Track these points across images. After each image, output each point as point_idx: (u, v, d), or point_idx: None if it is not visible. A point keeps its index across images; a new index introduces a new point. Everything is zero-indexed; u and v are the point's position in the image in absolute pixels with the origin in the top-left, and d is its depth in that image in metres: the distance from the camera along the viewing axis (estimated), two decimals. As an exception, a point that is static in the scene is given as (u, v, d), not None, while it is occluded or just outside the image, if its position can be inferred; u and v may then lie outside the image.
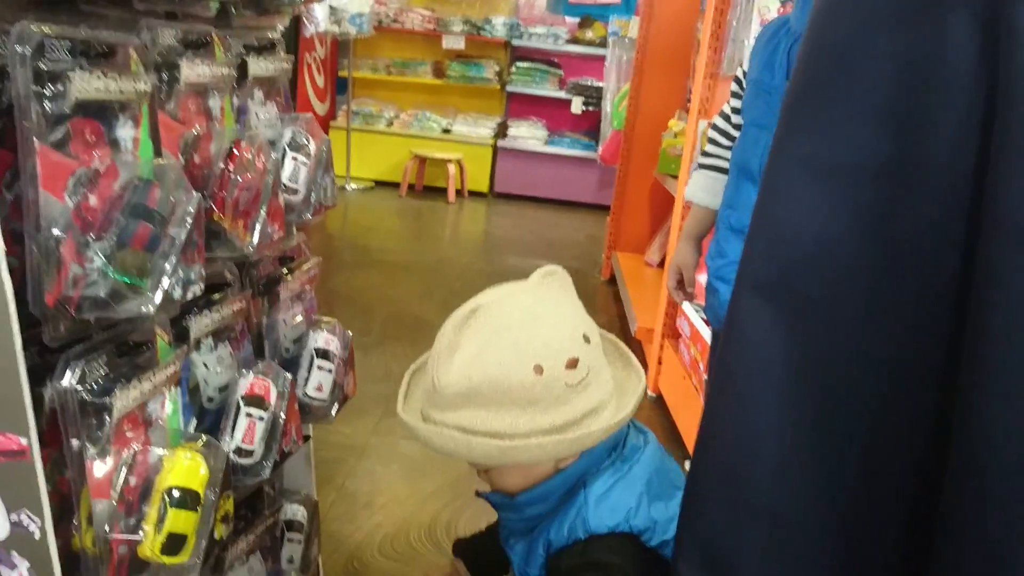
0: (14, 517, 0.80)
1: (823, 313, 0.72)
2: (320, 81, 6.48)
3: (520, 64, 6.60)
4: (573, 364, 0.95)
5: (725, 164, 1.59)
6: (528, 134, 6.60)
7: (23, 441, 0.77)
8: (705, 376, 1.84)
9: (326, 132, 6.56)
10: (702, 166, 1.68)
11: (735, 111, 1.59)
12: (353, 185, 6.24)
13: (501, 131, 6.68)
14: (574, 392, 0.95)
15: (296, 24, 5.57)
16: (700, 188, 1.67)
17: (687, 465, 2.41)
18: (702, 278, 2.03)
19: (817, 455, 0.74)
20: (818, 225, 0.71)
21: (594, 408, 0.97)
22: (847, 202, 0.69)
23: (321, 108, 6.52)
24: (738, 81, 1.59)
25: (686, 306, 2.60)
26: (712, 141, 1.65)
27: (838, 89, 0.70)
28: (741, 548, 0.78)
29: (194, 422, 1.03)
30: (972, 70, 0.63)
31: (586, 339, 0.98)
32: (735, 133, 1.59)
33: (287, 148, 1.17)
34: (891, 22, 0.66)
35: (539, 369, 0.93)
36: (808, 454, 0.74)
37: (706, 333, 2.38)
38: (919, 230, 0.68)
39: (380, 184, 6.48)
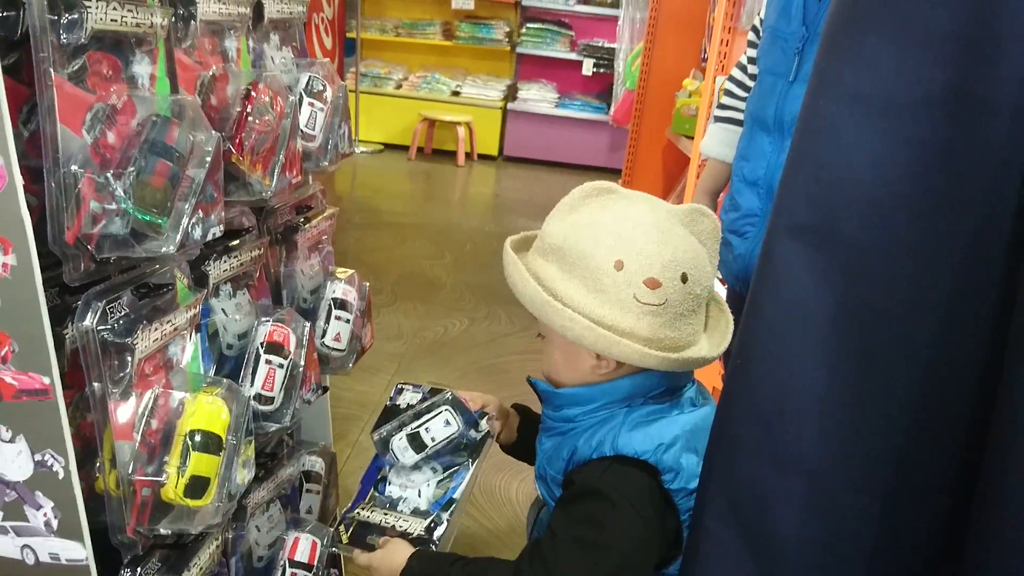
0: (38, 457, 0.80)
1: (871, 260, 0.68)
2: (328, 42, 6.39)
3: (530, 25, 6.50)
4: (653, 284, 0.97)
5: (742, 116, 1.56)
6: (538, 96, 6.52)
7: (46, 380, 0.76)
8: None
9: (335, 94, 6.50)
10: (718, 119, 1.65)
11: (752, 61, 1.56)
12: (362, 148, 6.19)
13: (511, 93, 6.61)
14: (638, 308, 0.97)
15: (303, -17, 5.50)
16: (717, 141, 1.65)
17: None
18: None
19: (861, 410, 0.71)
20: (868, 165, 0.67)
21: (645, 336, 0.98)
22: (902, 139, 0.65)
23: (329, 70, 6.46)
24: (755, 30, 1.55)
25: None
26: (729, 93, 1.62)
27: (896, 12, 0.64)
28: (777, 504, 0.75)
29: (213, 368, 1.02)
30: None
31: (683, 278, 0.98)
32: (752, 84, 1.56)
33: (304, 94, 1.15)
34: None
35: (619, 265, 0.96)
36: (851, 408, 0.71)
37: (718, 289, 2.36)
38: (981, 169, 0.64)
39: (389, 147, 6.43)
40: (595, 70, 6.39)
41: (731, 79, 1.63)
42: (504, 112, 6.51)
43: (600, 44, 6.36)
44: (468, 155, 6.32)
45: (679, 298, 0.99)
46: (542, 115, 6.47)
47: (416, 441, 1.19)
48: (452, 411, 1.19)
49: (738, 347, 0.81)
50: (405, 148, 6.32)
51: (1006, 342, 0.65)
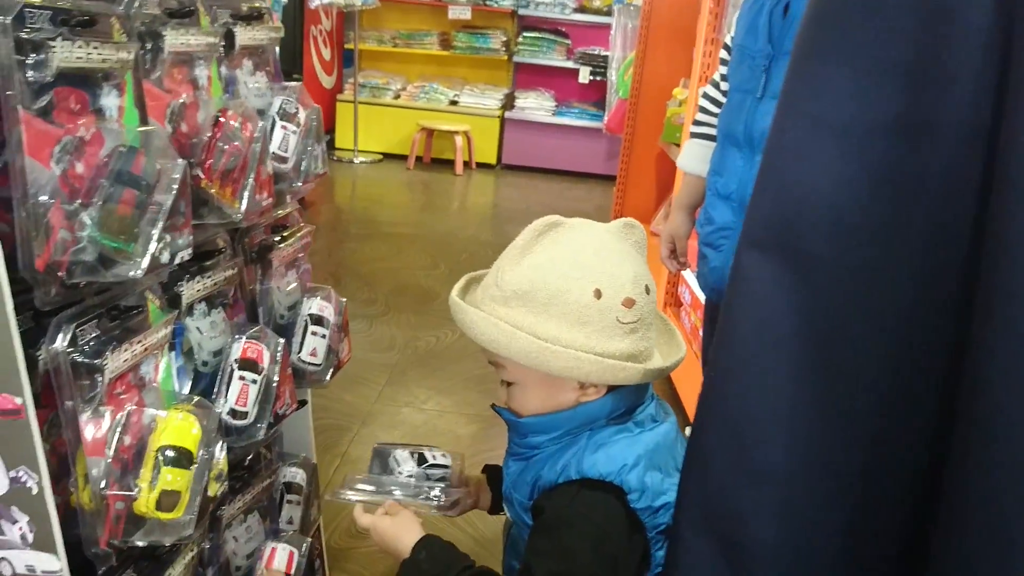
0: (13, 473, 0.83)
1: (831, 271, 0.71)
2: (326, 54, 6.46)
3: (527, 34, 6.54)
4: (630, 304, 0.98)
5: (716, 131, 1.59)
6: (536, 105, 6.57)
7: (18, 400, 0.80)
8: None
9: (333, 106, 6.50)
10: (694, 135, 1.69)
11: (724, 78, 1.59)
12: (361, 158, 6.25)
13: (508, 102, 6.65)
14: (622, 330, 0.98)
15: (301, -4, 5.55)
16: (692, 157, 1.68)
17: (687, 431, 2.42)
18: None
19: (826, 415, 0.73)
20: (828, 183, 0.70)
21: (633, 354, 1.00)
22: (859, 160, 0.69)
23: (328, 81, 6.51)
24: (726, 47, 1.59)
25: (687, 274, 2.60)
26: (702, 109, 1.66)
27: (854, 43, 0.68)
28: (748, 511, 0.78)
29: (189, 385, 1.06)
30: (989, 26, 0.62)
31: (647, 290, 1.01)
32: (724, 100, 1.59)
33: (276, 117, 1.19)
34: None
35: (598, 293, 0.96)
36: (817, 421, 0.73)
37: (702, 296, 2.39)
38: (931, 189, 0.67)
39: (388, 157, 6.48)
40: (592, 78, 6.43)
41: (704, 95, 1.67)
42: (502, 121, 6.55)
43: (596, 52, 6.41)
44: (466, 164, 6.36)
45: (648, 310, 1.02)
46: (540, 123, 6.51)
47: (420, 457, 1.24)
48: (448, 458, 1.26)
49: (711, 361, 0.84)
50: (404, 158, 6.36)
51: (963, 349, 0.67)
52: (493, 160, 6.60)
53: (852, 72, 0.68)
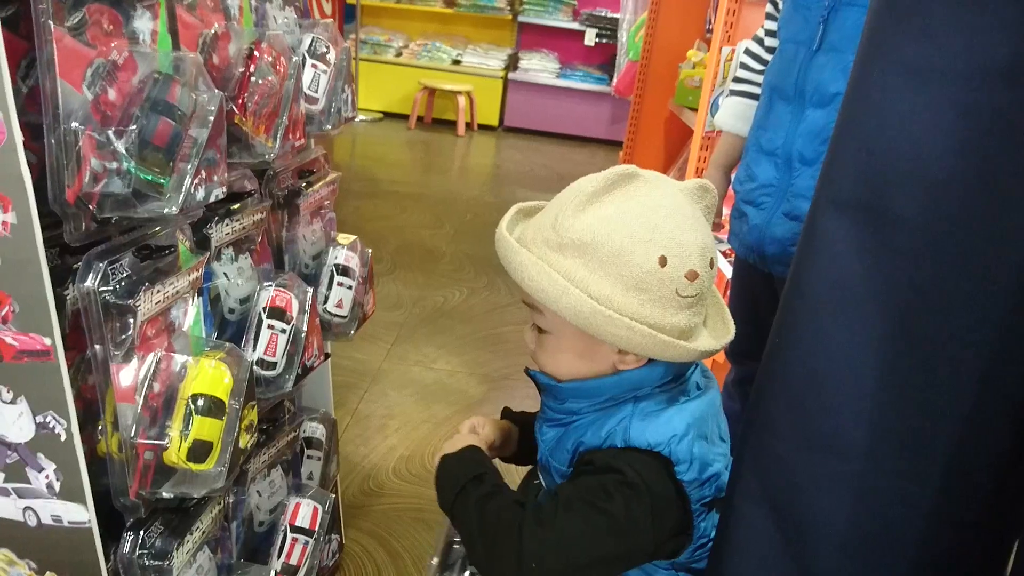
0: (40, 419, 0.79)
1: (920, 237, 0.65)
2: (327, 8, 6.29)
3: (532, -7, 6.42)
4: (693, 277, 0.91)
5: (758, 90, 1.54)
6: (540, 66, 6.46)
7: (47, 341, 0.75)
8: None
9: (334, 61, 6.41)
10: (733, 92, 1.63)
11: (769, 34, 1.54)
12: (361, 116, 6.14)
13: (512, 63, 6.54)
14: (678, 303, 0.92)
15: (303, -53, 5.41)
16: (731, 115, 1.63)
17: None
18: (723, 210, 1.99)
19: (906, 387, 0.68)
20: (919, 136, 0.64)
21: (684, 329, 0.94)
22: (958, 109, 0.62)
23: (328, 36, 6.37)
24: (773, 3, 1.53)
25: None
26: (744, 66, 1.61)
27: None
28: (809, 487, 0.74)
29: (215, 332, 1.01)
30: None
31: (711, 264, 0.94)
32: (768, 57, 1.54)
33: (307, 55, 1.13)
34: None
35: (663, 261, 0.89)
36: (895, 393, 0.68)
37: (723, 266, 2.35)
38: None
39: (389, 116, 6.38)
40: (597, 40, 6.32)
41: (747, 52, 1.61)
42: (505, 82, 6.44)
43: (603, 14, 6.29)
44: (468, 125, 6.27)
45: (708, 285, 0.95)
46: (543, 85, 6.41)
47: None
48: None
49: (776, 326, 0.79)
50: (405, 117, 6.26)
51: None
52: (495, 122, 6.51)
53: (957, 9, 0.62)
